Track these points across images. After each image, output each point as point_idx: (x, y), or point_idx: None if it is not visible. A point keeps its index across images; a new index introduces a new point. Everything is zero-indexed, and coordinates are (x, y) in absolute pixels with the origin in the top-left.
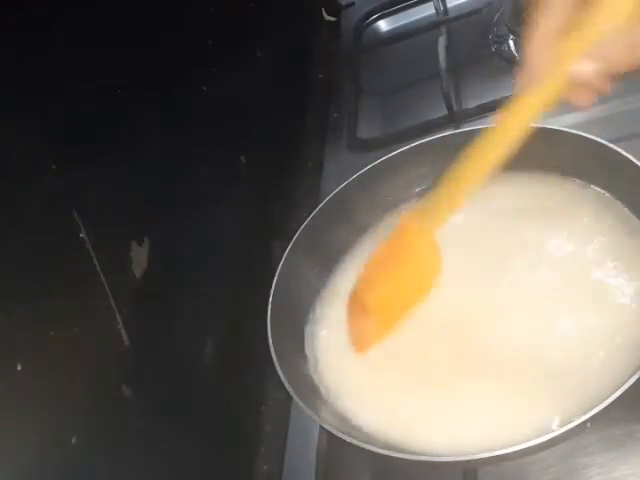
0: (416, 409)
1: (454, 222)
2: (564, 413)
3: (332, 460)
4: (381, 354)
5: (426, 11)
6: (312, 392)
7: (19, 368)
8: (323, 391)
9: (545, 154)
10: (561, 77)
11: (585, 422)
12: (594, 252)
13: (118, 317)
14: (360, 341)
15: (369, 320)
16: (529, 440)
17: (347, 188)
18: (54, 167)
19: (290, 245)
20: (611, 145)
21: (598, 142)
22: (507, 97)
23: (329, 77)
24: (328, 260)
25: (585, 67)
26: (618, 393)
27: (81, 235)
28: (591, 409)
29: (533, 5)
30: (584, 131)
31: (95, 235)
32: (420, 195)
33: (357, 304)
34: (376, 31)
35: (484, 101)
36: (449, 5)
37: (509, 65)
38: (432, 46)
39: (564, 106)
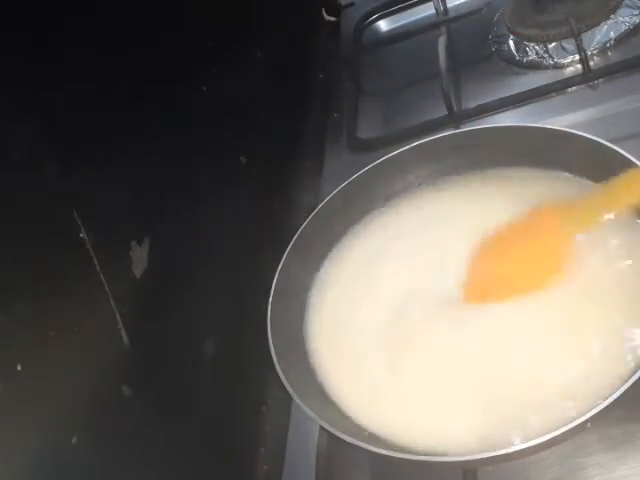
0: (417, 409)
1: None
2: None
3: (332, 460)
4: (383, 355)
5: (426, 11)
6: (312, 392)
7: (19, 368)
8: (323, 391)
9: (545, 154)
10: None
11: (585, 422)
12: None
13: (118, 317)
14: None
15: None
16: (529, 440)
17: (347, 188)
18: (54, 167)
19: (290, 245)
20: (611, 145)
21: (598, 142)
22: (507, 97)
23: (329, 77)
24: (328, 260)
25: None
26: (618, 393)
27: (81, 235)
28: (591, 409)
29: None
30: (584, 131)
31: (95, 235)
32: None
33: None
34: (376, 31)
35: (484, 101)
36: (449, 5)
37: (509, 65)
38: (432, 46)
39: (564, 106)
